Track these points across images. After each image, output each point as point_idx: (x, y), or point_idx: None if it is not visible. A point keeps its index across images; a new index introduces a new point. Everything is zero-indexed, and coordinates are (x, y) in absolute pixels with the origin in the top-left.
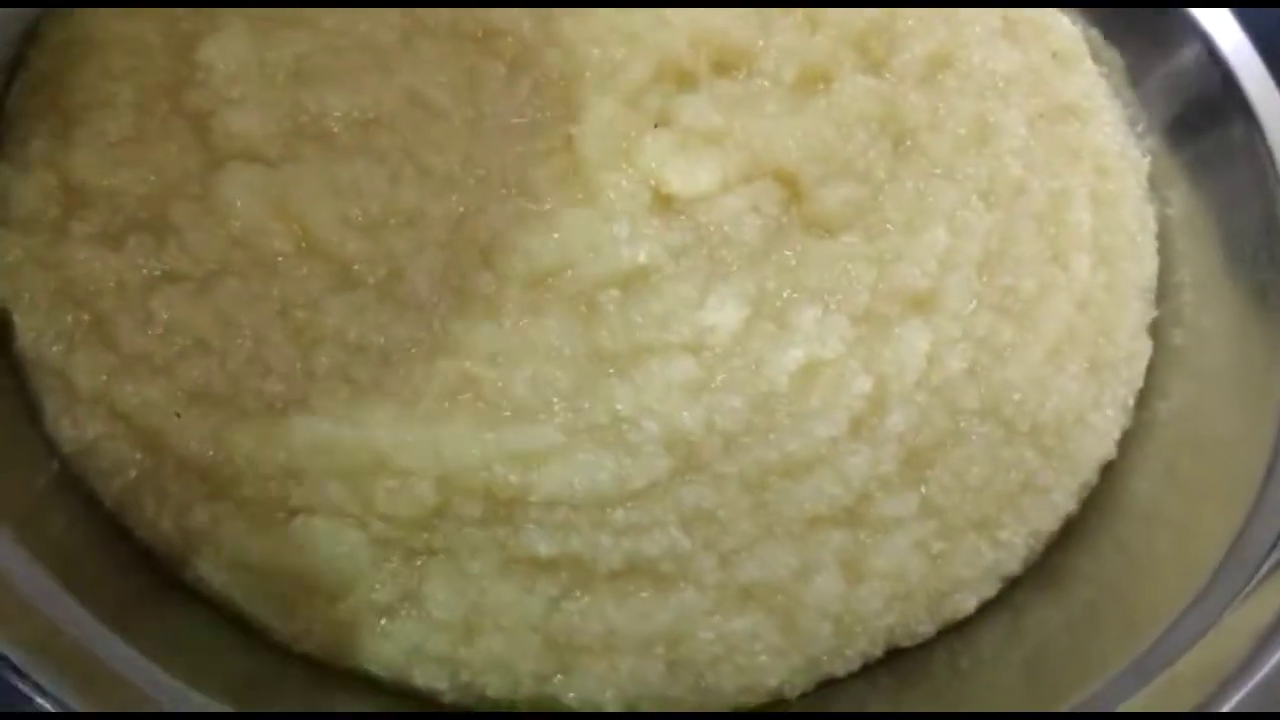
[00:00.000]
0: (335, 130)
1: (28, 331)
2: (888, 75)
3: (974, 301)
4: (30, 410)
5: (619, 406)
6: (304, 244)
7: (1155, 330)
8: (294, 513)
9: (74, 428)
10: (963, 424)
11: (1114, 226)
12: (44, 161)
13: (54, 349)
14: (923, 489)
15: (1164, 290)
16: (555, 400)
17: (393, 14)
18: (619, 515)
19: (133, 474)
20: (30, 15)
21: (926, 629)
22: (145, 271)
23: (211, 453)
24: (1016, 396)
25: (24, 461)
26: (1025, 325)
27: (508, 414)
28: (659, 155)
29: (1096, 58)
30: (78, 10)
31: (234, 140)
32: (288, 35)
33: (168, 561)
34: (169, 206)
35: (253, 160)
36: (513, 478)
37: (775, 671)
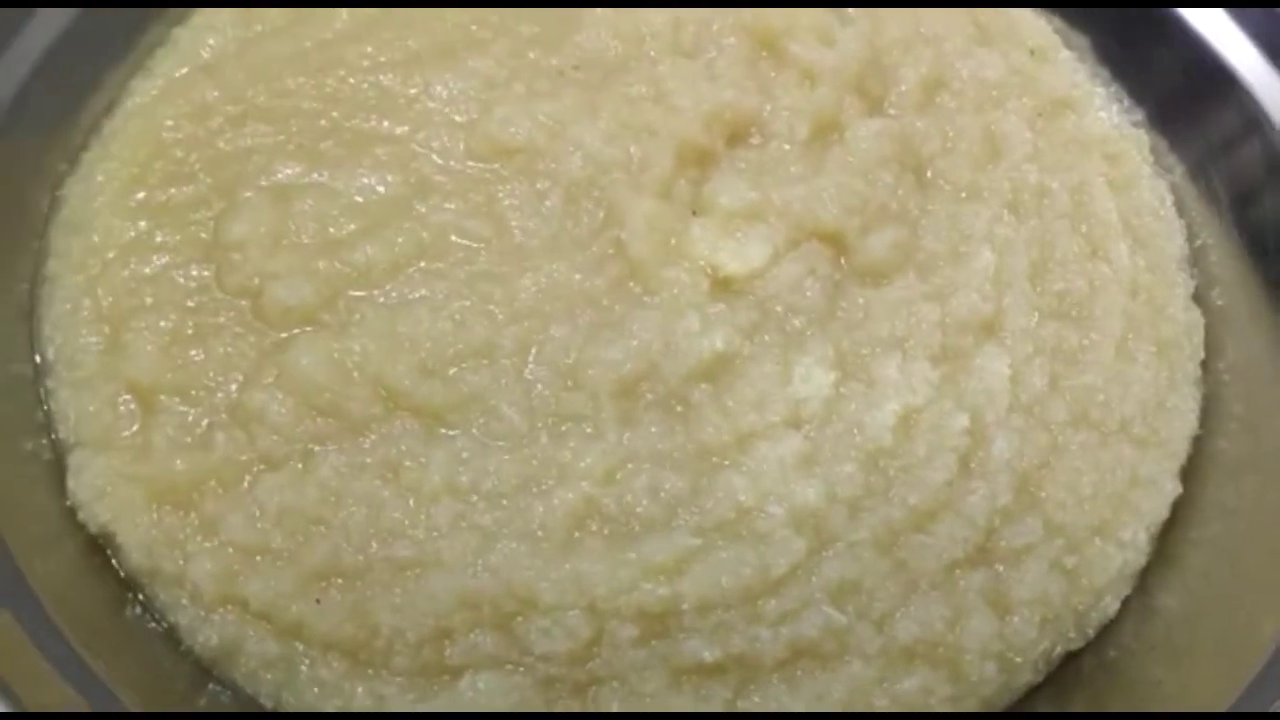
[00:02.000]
0: (383, 283)
1: (137, 549)
2: (891, 111)
3: (1035, 314)
4: (163, 628)
5: (741, 497)
6: (390, 402)
7: (1197, 298)
8: (454, 672)
9: (213, 636)
10: (1060, 438)
11: (1138, 207)
12: (103, 374)
13: (168, 561)
14: (1042, 510)
15: (1194, 257)
16: (678, 505)
17: (401, 154)
18: (771, 605)
19: (283, 668)
20: (39, 220)
21: (1077, 643)
22: (242, 463)
23: (357, 631)
24: (1100, 398)
25: (171, 681)
26: (1088, 325)
27: (637, 529)
28: (708, 241)
29: (1067, 44)
30: (89, 215)
31: (290, 314)
32: (304, 198)
33: None
34: (245, 393)
35: (314, 330)
36: (661, 591)
37: None
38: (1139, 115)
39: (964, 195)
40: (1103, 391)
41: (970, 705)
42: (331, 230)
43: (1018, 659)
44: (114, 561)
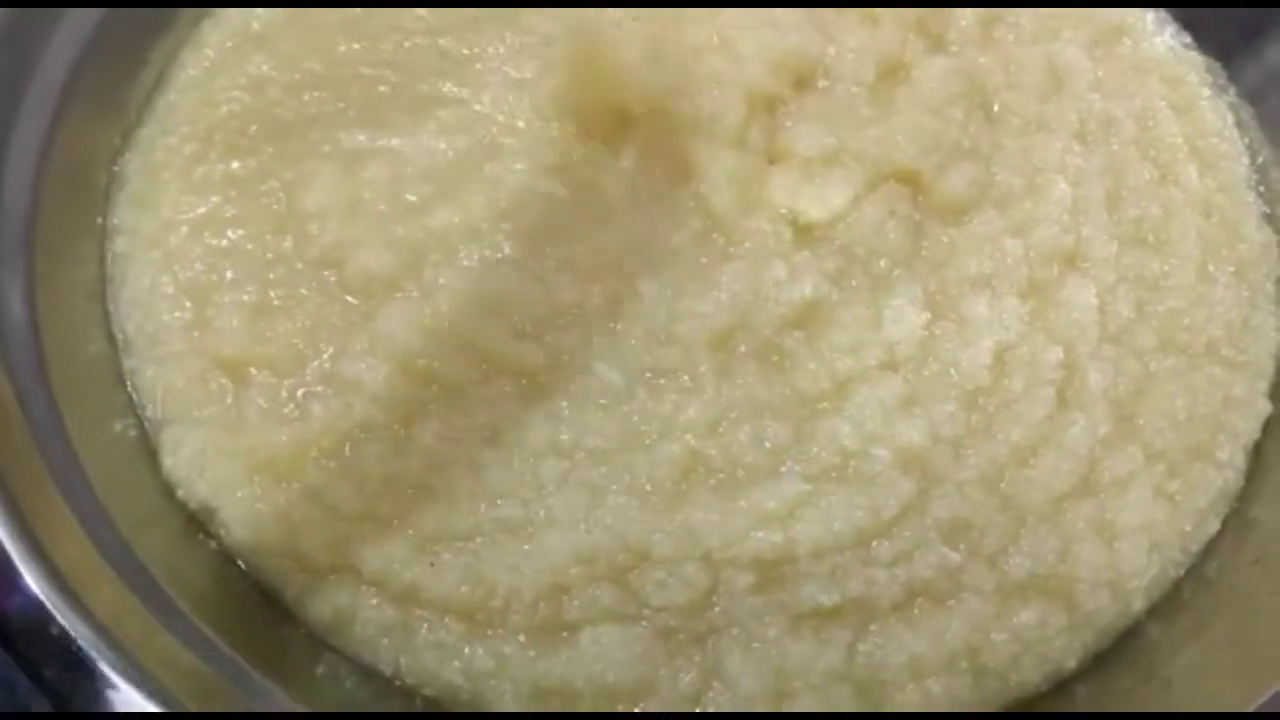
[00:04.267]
0: (464, 246)
1: (240, 524)
2: (953, 48)
3: (1115, 243)
4: (273, 599)
5: (845, 442)
6: (485, 365)
7: (1266, 215)
8: (573, 628)
9: (325, 604)
10: (1151, 364)
11: (1202, 130)
12: (189, 350)
13: (273, 532)
14: (1141, 437)
15: (1258, 175)
16: (782, 453)
17: (466, 116)
18: (884, 547)
19: (399, 634)
20: (101, 198)
21: (1183, 565)
22: (342, 432)
23: (472, 592)
24: (1185, 321)
25: (287, 650)
26: (1167, 251)
27: (744, 478)
28: (788, 188)
29: None
30: (156, 191)
31: (374, 282)
32: (373, 165)
33: (461, 708)
34: (339, 362)
35: (402, 296)
36: (775, 538)
37: (1072, 651)
38: (1188, 38)
39: (1033, 128)
40: (1187, 315)
41: (1086, 636)
42: (407, 195)
43: (1130, 585)
44: (218, 535)
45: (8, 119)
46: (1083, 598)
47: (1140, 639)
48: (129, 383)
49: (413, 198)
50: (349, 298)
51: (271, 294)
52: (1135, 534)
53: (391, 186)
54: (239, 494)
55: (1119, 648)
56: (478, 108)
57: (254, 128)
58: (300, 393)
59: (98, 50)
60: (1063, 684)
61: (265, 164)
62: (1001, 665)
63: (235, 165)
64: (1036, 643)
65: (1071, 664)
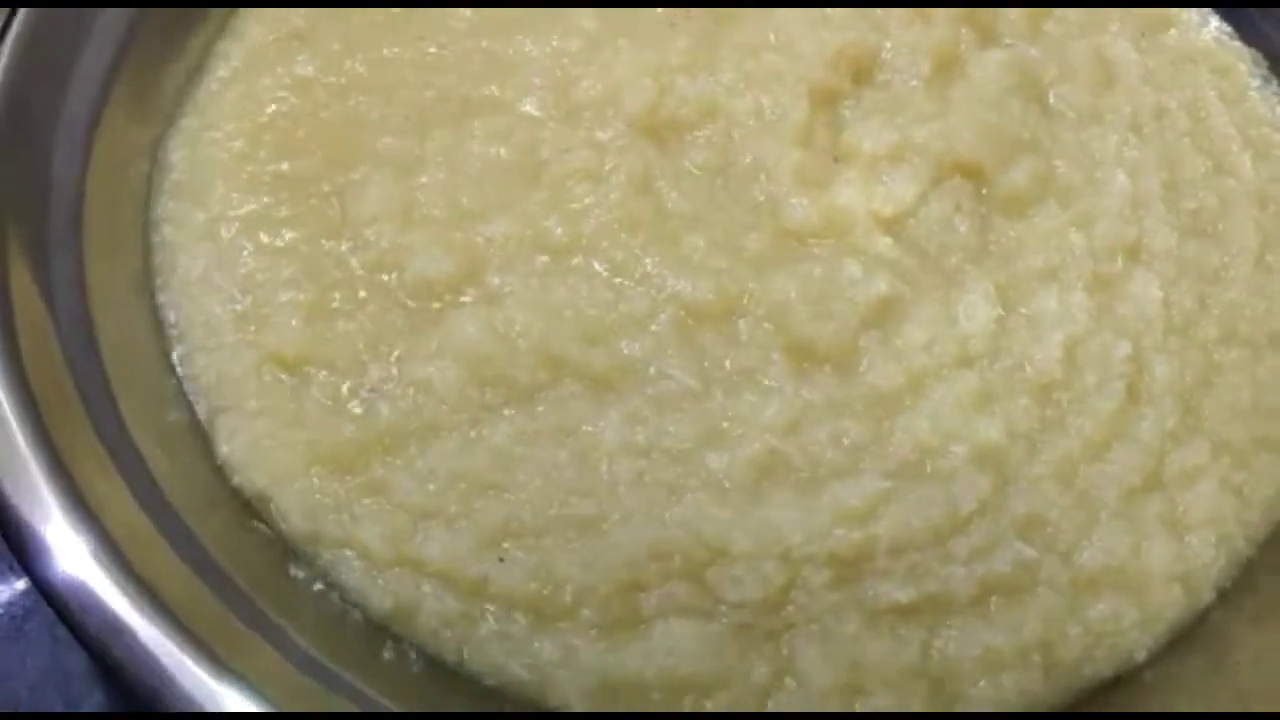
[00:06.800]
0: (522, 254)
1: (298, 513)
2: (1006, 41)
3: (1175, 235)
4: (333, 590)
5: (923, 439)
6: (554, 368)
7: None
8: (646, 623)
9: (387, 597)
10: (1216, 356)
11: (1254, 119)
12: (244, 343)
13: (333, 522)
14: (1207, 430)
15: None
16: (861, 451)
17: (517, 120)
18: (961, 544)
19: (465, 625)
20: (143, 191)
21: (1248, 556)
22: (410, 431)
23: (543, 588)
24: (1247, 312)
25: (351, 638)
26: (1225, 242)
27: (824, 475)
28: (856, 186)
29: None
30: (203, 186)
31: (434, 286)
32: (424, 171)
33: (524, 701)
34: (407, 364)
35: (466, 302)
36: (855, 535)
37: (1143, 644)
38: (1229, 28)
39: (1088, 120)
40: (1249, 306)
41: (1158, 629)
42: (461, 201)
43: (1199, 578)
44: (275, 525)
45: (54, 108)
46: (1154, 591)
47: (1208, 627)
48: (179, 371)
49: (468, 203)
50: (410, 302)
51: (330, 295)
52: (1204, 527)
53: (445, 193)
54: (296, 485)
55: (1188, 636)
56: (529, 110)
57: (302, 131)
58: (364, 391)
59: (137, 39)
60: (1131, 672)
61: (315, 167)
62: (1074, 658)
63: (285, 167)
64: (1109, 635)
65: (1142, 655)
